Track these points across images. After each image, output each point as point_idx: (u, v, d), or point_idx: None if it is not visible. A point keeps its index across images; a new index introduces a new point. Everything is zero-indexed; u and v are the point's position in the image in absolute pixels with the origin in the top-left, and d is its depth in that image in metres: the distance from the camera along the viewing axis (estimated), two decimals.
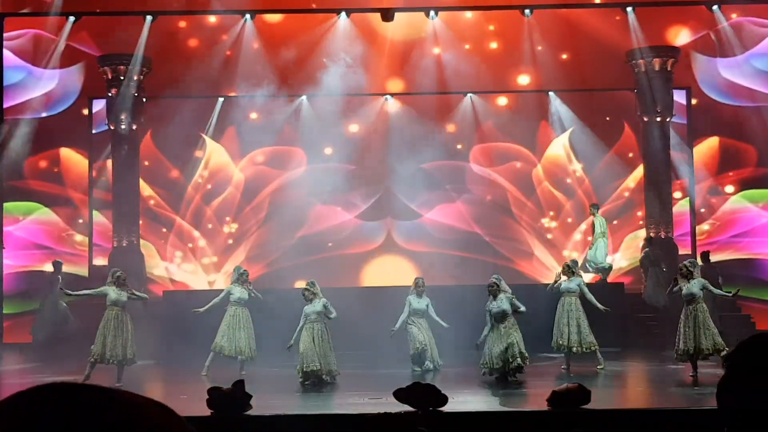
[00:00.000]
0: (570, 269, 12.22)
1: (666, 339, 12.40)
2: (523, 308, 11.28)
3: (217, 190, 21.01)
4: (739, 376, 1.42)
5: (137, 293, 11.25)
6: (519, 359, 10.82)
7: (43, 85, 18.49)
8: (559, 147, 21.00)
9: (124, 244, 16.92)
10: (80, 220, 20.07)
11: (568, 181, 21.00)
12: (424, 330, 12.15)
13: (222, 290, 12.69)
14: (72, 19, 15.67)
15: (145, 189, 19.61)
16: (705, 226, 20.15)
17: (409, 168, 19.53)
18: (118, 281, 11.08)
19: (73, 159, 20.11)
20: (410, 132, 19.76)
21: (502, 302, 11.08)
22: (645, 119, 17.29)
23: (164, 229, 20.16)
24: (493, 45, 20.08)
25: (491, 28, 20.06)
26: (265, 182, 20.89)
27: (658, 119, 17.11)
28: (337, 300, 11.88)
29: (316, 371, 10.96)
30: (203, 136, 20.40)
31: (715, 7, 15.82)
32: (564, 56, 18.71)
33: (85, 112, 19.25)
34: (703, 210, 20.40)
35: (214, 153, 20.92)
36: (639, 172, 19.70)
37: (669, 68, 16.96)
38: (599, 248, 16.96)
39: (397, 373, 11.45)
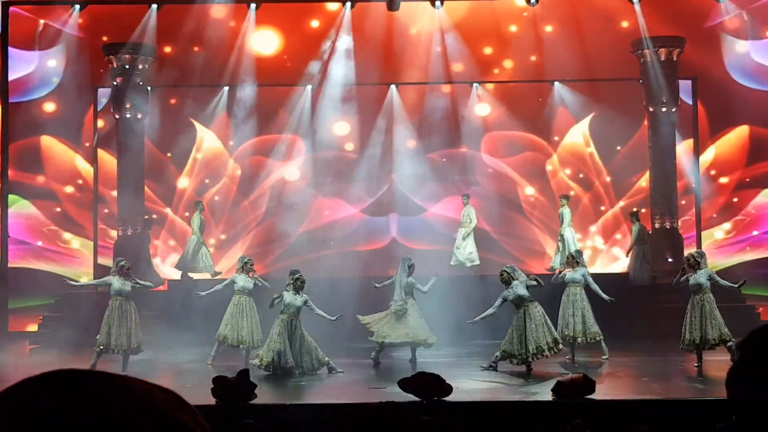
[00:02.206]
0: (574, 259, 13.01)
1: (671, 330, 13.25)
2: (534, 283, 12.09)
3: (211, 182, 21.58)
4: (750, 365, 1.48)
5: (141, 282, 12.05)
6: (536, 354, 11.70)
7: (21, 68, 18.87)
8: (577, 135, 21.62)
9: (129, 233, 17.73)
10: (66, 217, 20.37)
11: (585, 168, 21.62)
12: (410, 313, 12.74)
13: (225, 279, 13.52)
14: (77, 7, 16.48)
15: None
16: (729, 225, 20.76)
17: (415, 158, 20.19)
18: (122, 271, 11.89)
19: (55, 148, 20.39)
20: (417, 120, 20.39)
21: (518, 287, 11.84)
22: (651, 109, 18.13)
23: (157, 228, 20.46)
24: (501, 34, 20.75)
25: (512, 27, 20.74)
26: (262, 173, 21.40)
27: (664, 109, 17.93)
28: (340, 289, 12.72)
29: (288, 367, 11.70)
30: (193, 121, 20.97)
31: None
32: (570, 44, 19.47)
33: (69, 97, 19.55)
34: (731, 204, 20.85)
35: (205, 140, 21.45)
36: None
37: (675, 58, 17.88)
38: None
39: (401, 363, 12.30)
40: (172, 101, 20.11)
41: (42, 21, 18.48)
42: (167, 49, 18.79)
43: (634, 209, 18.89)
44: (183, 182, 21.37)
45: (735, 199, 21.07)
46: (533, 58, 20.11)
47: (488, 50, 20.59)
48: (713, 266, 19.11)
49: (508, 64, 20.98)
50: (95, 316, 12.17)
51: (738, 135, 20.94)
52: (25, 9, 18.51)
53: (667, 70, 17.98)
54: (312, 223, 20.72)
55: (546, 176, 21.86)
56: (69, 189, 20.61)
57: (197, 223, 17.71)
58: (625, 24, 19.52)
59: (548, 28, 19.58)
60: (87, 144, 20.62)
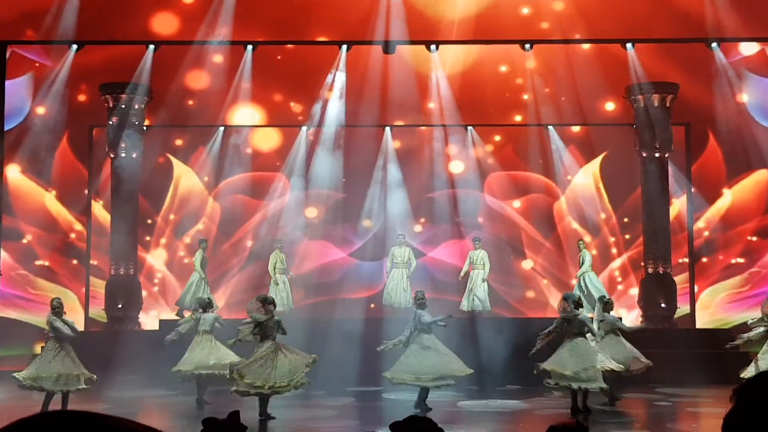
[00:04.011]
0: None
1: (661, 375, 14.51)
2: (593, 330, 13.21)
3: (190, 222, 22.77)
4: (746, 412, 1.62)
5: (71, 326, 12.80)
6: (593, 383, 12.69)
7: None
8: (587, 176, 22.98)
9: (122, 273, 19.09)
10: (37, 262, 21.35)
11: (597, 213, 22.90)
12: (427, 350, 13.49)
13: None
14: (74, 47, 17.95)
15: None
16: (742, 277, 21.83)
17: (412, 200, 21.37)
18: (55, 310, 12.77)
19: (24, 186, 21.40)
20: (412, 162, 21.95)
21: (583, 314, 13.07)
22: (644, 154, 19.55)
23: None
24: (495, 77, 22.41)
25: (502, 68, 22.37)
26: (245, 213, 22.62)
27: (657, 155, 19.37)
28: (338, 329, 13.92)
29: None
30: (170, 157, 22.40)
31: (714, 45, 18.10)
32: (563, 99, 20.99)
33: (39, 133, 20.37)
34: (742, 261, 21.92)
35: (183, 177, 22.82)
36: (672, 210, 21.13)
37: (668, 104, 19.49)
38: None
39: (394, 405, 13.51)
40: (164, 141, 21.28)
41: (10, 49, 19.61)
42: (161, 90, 20.15)
43: (581, 239, 20.51)
44: (160, 222, 22.68)
45: (750, 250, 22.14)
46: (518, 116, 21.41)
47: (484, 93, 22.10)
48: (723, 323, 20.32)
49: (505, 106, 22.59)
50: (84, 353, 13.23)
51: (756, 180, 22.19)
52: (22, 48, 19.76)
53: (661, 116, 19.49)
54: (298, 268, 21.68)
55: (553, 220, 23.07)
56: (38, 230, 21.63)
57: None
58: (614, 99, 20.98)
59: (538, 76, 21.09)
60: (55, 184, 21.94)
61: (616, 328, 14.10)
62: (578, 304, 13.06)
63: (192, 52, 19.21)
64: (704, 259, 22.19)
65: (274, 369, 12.29)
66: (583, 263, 19.51)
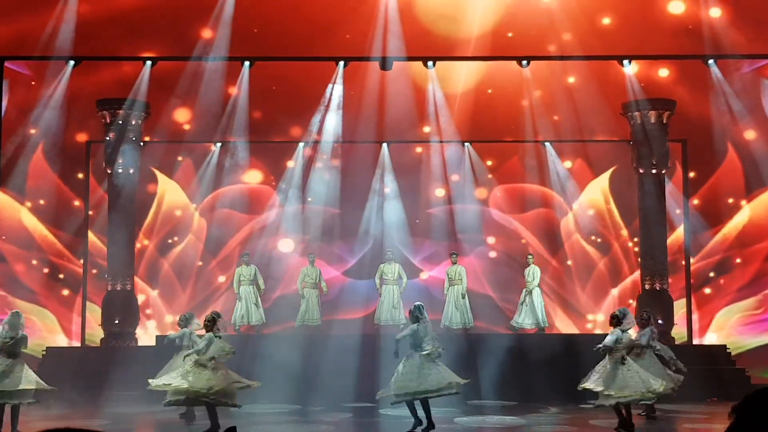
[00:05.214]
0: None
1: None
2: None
3: (175, 239, 23.90)
4: (745, 428, 1.78)
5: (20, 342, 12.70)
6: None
7: None
8: (596, 190, 23.97)
9: (119, 288, 20.11)
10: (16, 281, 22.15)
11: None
12: (422, 365, 13.76)
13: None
14: (72, 63, 18.99)
15: (95, 240, 22.23)
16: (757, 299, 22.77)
17: (412, 214, 22.06)
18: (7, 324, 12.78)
19: (1, 202, 21.95)
20: (415, 174, 23.01)
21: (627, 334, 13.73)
22: (640, 171, 20.64)
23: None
24: (499, 96, 23.70)
25: (499, 88, 23.30)
26: (231, 229, 23.64)
27: (654, 171, 20.46)
28: (335, 344, 14.80)
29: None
30: (154, 170, 23.50)
31: (711, 62, 19.21)
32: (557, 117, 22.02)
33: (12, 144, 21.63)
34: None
35: (168, 192, 23.93)
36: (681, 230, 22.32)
37: (665, 121, 20.68)
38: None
39: (392, 421, 14.52)
40: (156, 157, 22.31)
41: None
42: (158, 105, 21.55)
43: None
44: (143, 239, 23.72)
45: (766, 268, 23.11)
46: (520, 133, 22.62)
47: (493, 110, 23.35)
48: (737, 345, 21.20)
49: (507, 123, 23.62)
50: (81, 369, 14.09)
51: None
52: (20, 64, 20.77)
53: (657, 132, 20.71)
54: (287, 287, 22.74)
55: (560, 236, 24.09)
56: (19, 250, 22.64)
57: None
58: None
59: (538, 92, 22.18)
60: (41, 201, 23.03)
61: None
62: (617, 322, 13.37)
63: (189, 68, 20.24)
64: (718, 278, 23.28)
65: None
66: (533, 278, 20.71)
